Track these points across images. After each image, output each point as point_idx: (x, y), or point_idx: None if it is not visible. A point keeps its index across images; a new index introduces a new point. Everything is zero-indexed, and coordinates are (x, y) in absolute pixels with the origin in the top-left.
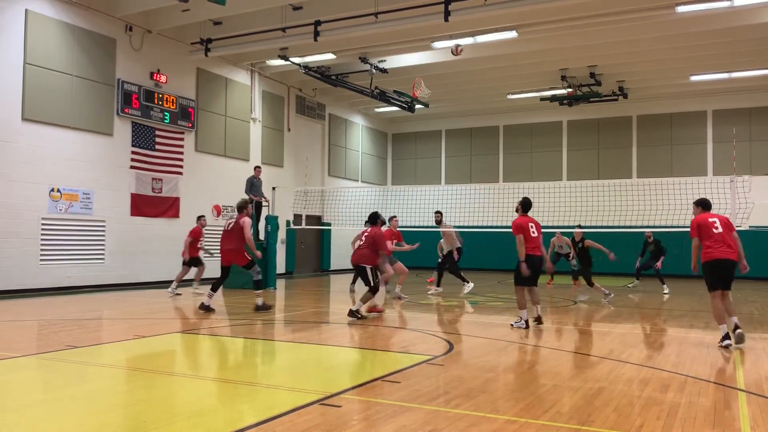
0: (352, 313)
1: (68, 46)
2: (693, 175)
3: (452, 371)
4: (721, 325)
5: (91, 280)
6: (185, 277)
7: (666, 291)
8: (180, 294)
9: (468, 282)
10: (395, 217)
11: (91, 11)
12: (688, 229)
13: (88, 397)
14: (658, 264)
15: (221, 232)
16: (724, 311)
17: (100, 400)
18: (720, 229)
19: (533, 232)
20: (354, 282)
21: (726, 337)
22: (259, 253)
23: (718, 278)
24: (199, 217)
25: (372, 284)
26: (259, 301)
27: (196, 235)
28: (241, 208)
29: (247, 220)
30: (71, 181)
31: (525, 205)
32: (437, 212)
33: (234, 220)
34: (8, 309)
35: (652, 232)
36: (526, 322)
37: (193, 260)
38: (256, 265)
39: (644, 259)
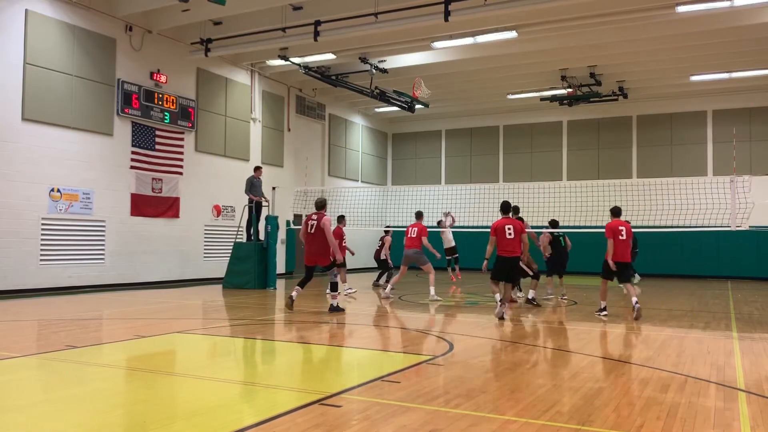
0: (530, 301)
1: (68, 46)
2: (693, 175)
3: (452, 371)
4: (603, 301)
5: (91, 280)
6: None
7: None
8: (353, 291)
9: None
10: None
11: (91, 11)
12: (687, 230)
13: (88, 397)
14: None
15: (303, 233)
16: (607, 292)
17: (100, 400)
18: (624, 237)
19: (509, 234)
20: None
21: (603, 309)
22: (340, 257)
23: (614, 273)
24: (340, 218)
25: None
26: (335, 302)
27: (339, 236)
28: (321, 206)
29: (328, 220)
30: (71, 181)
31: (502, 207)
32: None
33: (315, 221)
34: (8, 309)
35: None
36: (500, 301)
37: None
38: (334, 268)
39: None
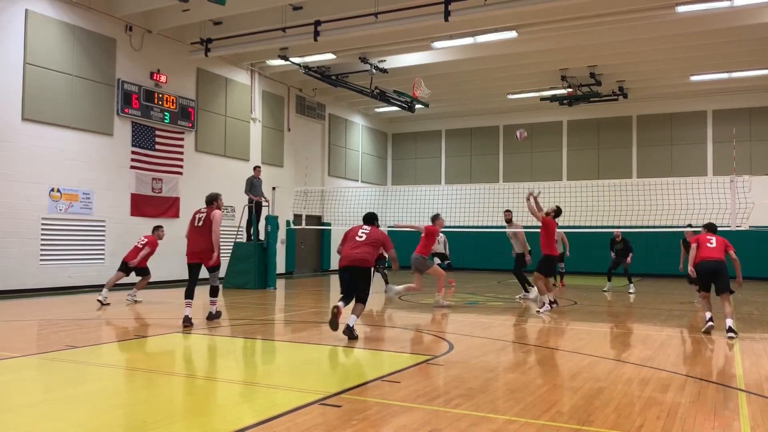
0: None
1: (68, 46)
2: (693, 175)
3: (452, 371)
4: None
5: (91, 280)
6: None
7: (631, 291)
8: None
9: (532, 288)
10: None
11: (91, 11)
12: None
13: (88, 397)
14: (628, 260)
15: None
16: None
17: (100, 400)
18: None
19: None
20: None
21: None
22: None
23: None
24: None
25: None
26: (213, 309)
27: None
28: (211, 200)
29: (218, 214)
30: (71, 181)
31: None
32: (507, 211)
33: (204, 214)
34: (8, 309)
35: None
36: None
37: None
38: (218, 272)
39: (613, 258)
